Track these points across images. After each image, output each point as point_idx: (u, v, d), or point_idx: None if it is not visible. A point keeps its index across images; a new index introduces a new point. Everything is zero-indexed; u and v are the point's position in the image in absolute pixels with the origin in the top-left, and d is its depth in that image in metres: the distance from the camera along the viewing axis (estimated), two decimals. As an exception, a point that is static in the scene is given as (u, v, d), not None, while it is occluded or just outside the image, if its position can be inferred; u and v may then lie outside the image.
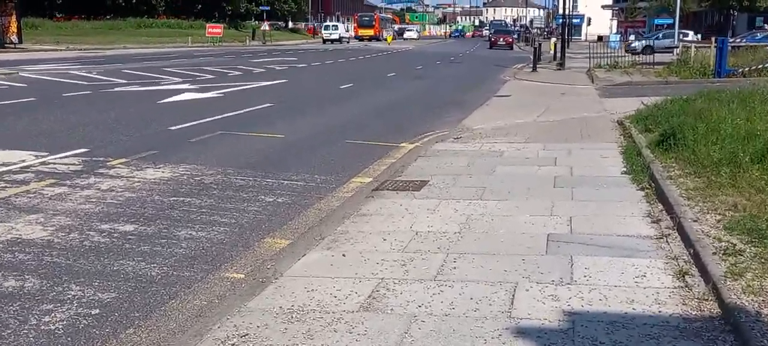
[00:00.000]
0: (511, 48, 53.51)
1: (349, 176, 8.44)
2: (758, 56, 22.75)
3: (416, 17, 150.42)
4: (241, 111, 14.22)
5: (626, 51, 34.62)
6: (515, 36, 71.28)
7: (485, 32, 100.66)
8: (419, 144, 10.83)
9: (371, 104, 16.59)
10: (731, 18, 54.64)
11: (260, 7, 72.96)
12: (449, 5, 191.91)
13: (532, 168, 8.55)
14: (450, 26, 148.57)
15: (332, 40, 69.61)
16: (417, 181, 7.87)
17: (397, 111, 15.26)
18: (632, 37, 52.92)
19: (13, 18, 40.80)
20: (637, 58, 28.16)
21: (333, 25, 74.84)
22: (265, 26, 62.70)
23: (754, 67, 21.40)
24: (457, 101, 17.34)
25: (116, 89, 18.11)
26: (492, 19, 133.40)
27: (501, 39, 58.14)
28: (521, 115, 14.19)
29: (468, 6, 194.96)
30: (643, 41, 42.01)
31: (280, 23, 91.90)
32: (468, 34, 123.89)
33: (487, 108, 16.04)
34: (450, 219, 6.27)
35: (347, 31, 76.68)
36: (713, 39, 24.21)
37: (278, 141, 10.87)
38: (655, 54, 27.09)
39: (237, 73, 25.23)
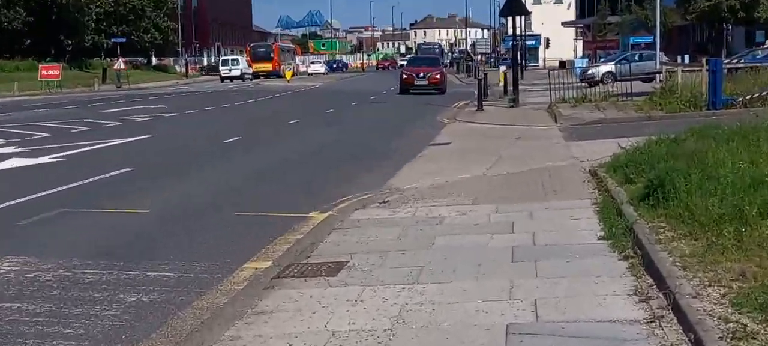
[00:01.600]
0: (440, 90, 41.93)
1: (240, 261, 8.35)
2: (761, 80, 23.70)
3: (323, 46, 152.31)
4: (90, 180, 13.96)
5: (582, 80, 35.87)
6: (450, 65, 69.35)
7: (400, 62, 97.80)
8: (333, 213, 10.81)
9: (267, 162, 16.54)
10: (725, 33, 57.22)
11: (112, 40, 72.24)
12: (366, 28, 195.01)
13: (483, 238, 8.65)
14: (370, 56, 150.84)
15: (232, 78, 71.69)
16: (332, 263, 7.84)
17: (302, 170, 15.26)
18: (585, 63, 54.43)
19: None
20: (611, 88, 29.11)
21: (232, 60, 77.11)
22: (120, 65, 62.07)
23: (756, 95, 22.23)
24: (381, 154, 17.48)
25: None
26: (423, 43, 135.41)
27: (422, 74, 42.84)
28: (466, 169, 14.36)
29: (391, 29, 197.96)
30: (606, 66, 42.69)
31: (139, 59, 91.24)
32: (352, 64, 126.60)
33: (421, 161, 16.20)
34: (378, 312, 6.26)
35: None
36: (704, 61, 25.26)
37: (142, 218, 10.69)
38: (632, 82, 28.05)
39: (83, 128, 24.83)
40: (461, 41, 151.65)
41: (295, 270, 7.67)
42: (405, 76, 43.26)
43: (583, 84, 33.50)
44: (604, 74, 39.95)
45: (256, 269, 8.06)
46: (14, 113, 32.33)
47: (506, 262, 7.59)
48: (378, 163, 15.90)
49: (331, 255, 8.18)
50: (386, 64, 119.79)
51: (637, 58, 41.62)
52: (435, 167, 14.91)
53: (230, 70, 73.66)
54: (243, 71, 74.45)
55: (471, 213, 10.06)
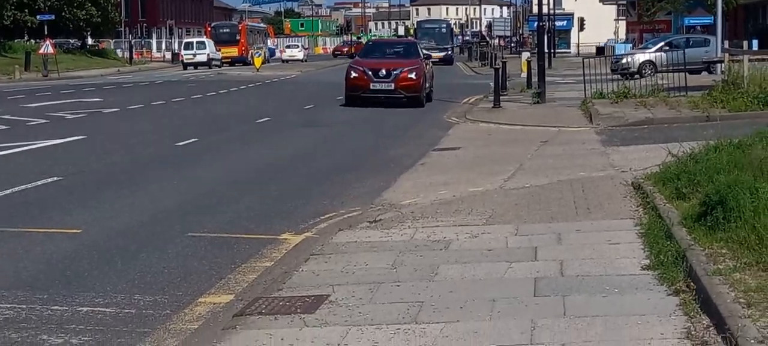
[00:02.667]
0: (415, 98, 30.87)
1: (194, 294, 8.34)
2: None
3: (302, 26, 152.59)
4: (7, 191, 13.90)
5: (614, 71, 35.81)
6: (460, 51, 69.55)
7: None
8: (312, 234, 10.79)
9: (231, 170, 16.54)
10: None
11: (39, 17, 72.00)
12: (356, 5, 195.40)
13: (499, 266, 8.64)
14: (360, 38, 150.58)
15: (197, 64, 72.56)
16: (309, 297, 7.83)
17: (274, 180, 15.25)
18: (622, 48, 53.84)
19: None
20: (661, 82, 29.12)
21: (198, 43, 77.51)
22: (48, 48, 61.97)
23: None
24: (373, 161, 17.50)
25: None
26: (424, 21, 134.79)
27: (383, 72, 31.45)
28: (479, 180, 14.36)
29: (386, 5, 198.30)
30: (644, 53, 42.49)
31: (72, 42, 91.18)
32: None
33: (422, 170, 16.20)
34: (366, 359, 6.25)
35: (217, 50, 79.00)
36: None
37: (71, 240, 10.65)
38: (676, 73, 28.07)
39: (-1, 126, 24.78)
40: (474, 21, 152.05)
41: (263, 306, 7.65)
42: (353, 76, 31.90)
43: (616, 76, 33.48)
44: (641, 64, 39.85)
45: (215, 303, 8.04)
46: None
47: (527, 297, 7.58)
48: (368, 172, 15.89)
49: (309, 287, 8.16)
50: (344, 49, 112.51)
51: (684, 43, 41.26)
52: (440, 178, 14.90)
53: (195, 56, 74.24)
54: (210, 56, 75.25)
55: (484, 236, 10.05)
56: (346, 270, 8.75)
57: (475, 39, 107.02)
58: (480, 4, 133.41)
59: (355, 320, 7.15)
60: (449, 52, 79.89)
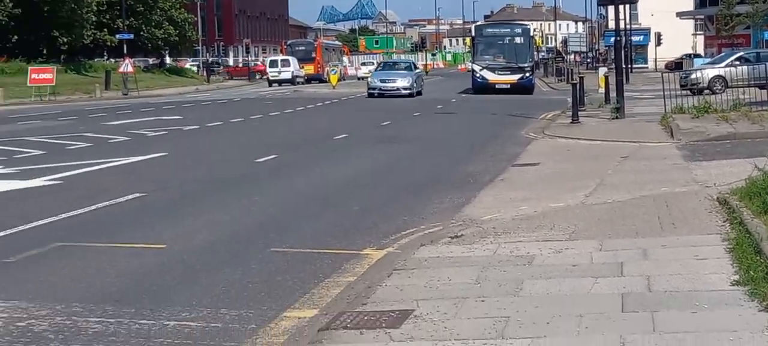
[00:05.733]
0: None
1: (279, 309, 8.39)
2: None
3: (376, 43, 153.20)
4: (92, 207, 14.12)
5: (683, 86, 35.31)
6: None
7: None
8: (394, 249, 10.81)
9: (310, 186, 16.62)
10: None
11: (118, 36, 73.01)
12: (429, 21, 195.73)
13: (585, 282, 8.58)
14: (434, 55, 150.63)
15: (281, 82, 75.86)
16: (394, 311, 7.82)
17: (354, 196, 15.29)
18: (696, 62, 52.66)
19: None
20: (742, 96, 28.75)
21: (282, 60, 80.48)
22: (127, 67, 62.83)
23: None
24: (452, 177, 17.46)
25: None
26: (493, 24, 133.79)
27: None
28: (560, 195, 14.29)
29: (460, 22, 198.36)
30: (713, 69, 41.50)
31: (150, 60, 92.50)
32: None
33: (502, 185, 16.15)
34: (453, 374, 6.23)
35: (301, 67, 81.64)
36: None
37: (157, 255, 10.78)
38: (749, 88, 27.70)
39: (83, 144, 25.15)
40: (549, 37, 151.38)
41: (348, 320, 7.66)
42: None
43: (684, 91, 33.09)
44: (712, 79, 39.27)
45: (299, 318, 8.09)
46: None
47: (615, 313, 7.52)
48: (447, 188, 15.89)
49: (393, 302, 8.16)
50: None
51: (755, 58, 40.39)
52: (520, 194, 14.86)
53: (280, 73, 77.62)
54: (294, 74, 78.29)
55: (568, 251, 9.99)
56: (430, 285, 8.74)
57: (550, 55, 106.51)
58: (555, 20, 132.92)
59: (440, 335, 7.13)
60: (528, 75, 52.59)
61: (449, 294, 8.35)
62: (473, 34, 55.71)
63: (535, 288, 8.46)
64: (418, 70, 57.48)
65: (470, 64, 56.15)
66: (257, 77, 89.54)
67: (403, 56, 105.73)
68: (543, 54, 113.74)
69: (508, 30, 56.41)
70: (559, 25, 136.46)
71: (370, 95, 50.30)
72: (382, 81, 51.73)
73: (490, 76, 51.73)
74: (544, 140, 24.55)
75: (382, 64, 62.12)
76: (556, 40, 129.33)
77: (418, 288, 8.63)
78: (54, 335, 7.70)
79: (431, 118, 34.63)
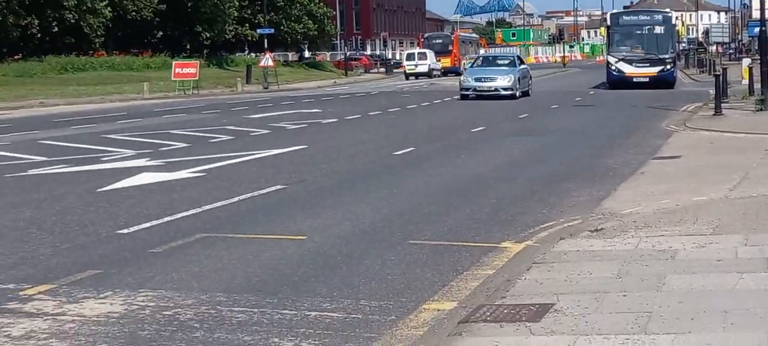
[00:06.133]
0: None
1: (418, 301, 8.41)
2: None
3: (513, 36, 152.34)
4: (235, 199, 14.37)
5: None
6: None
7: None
8: (533, 242, 10.77)
9: (448, 179, 16.65)
10: None
11: (259, 31, 73.86)
12: (567, 13, 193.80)
13: (730, 277, 8.39)
14: (572, 47, 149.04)
15: (418, 75, 76.88)
16: (533, 305, 7.78)
17: (492, 189, 15.27)
18: None
19: None
20: None
21: (419, 53, 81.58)
22: (268, 61, 63.64)
23: None
24: (591, 169, 17.31)
25: (30, 172, 18.51)
26: (631, 10, 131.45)
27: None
28: (702, 189, 14.04)
29: (599, 12, 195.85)
30: None
31: (289, 54, 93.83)
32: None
33: (642, 179, 15.94)
34: (595, 368, 6.17)
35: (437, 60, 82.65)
36: None
37: (297, 246, 10.92)
38: None
39: (225, 137, 25.67)
40: (690, 28, 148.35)
41: (488, 313, 7.64)
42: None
43: None
44: None
45: (439, 310, 8.10)
46: (145, 120, 33.70)
47: (762, 309, 7.33)
48: (586, 181, 15.77)
49: (532, 295, 8.11)
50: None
51: None
52: (661, 187, 14.64)
53: (416, 66, 78.63)
54: (431, 67, 79.10)
55: (712, 246, 9.79)
56: (570, 279, 8.66)
57: (691, 46, 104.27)
58: (696, 10, 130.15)
59: (582, 329, 7.06)
60: (669, 67, 49.21)
61: (590, 288, 8.26)
62: (608, 22, 51.96)
63: (678, 283, 8.31)
64: (523, 67, 47.03)
65: (606, 55, 53.33)
66: (393, 70, 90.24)
67: (508, 50, 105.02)
68: (684, 45, 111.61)
69: (648, 18, 52.42)
70: (700, 15, 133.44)
71: (464, 97, 42.79)
72: (477, 80, 43.61)
73: (627, 69, 48.82)
74: (686, 133, 24.12)
75: (480, 59, 52.30)
76: (697, 31, 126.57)
77: (558, 282, 8.56)
78: (199, 324, 7.86)
79: (568, 111, 34.41)
